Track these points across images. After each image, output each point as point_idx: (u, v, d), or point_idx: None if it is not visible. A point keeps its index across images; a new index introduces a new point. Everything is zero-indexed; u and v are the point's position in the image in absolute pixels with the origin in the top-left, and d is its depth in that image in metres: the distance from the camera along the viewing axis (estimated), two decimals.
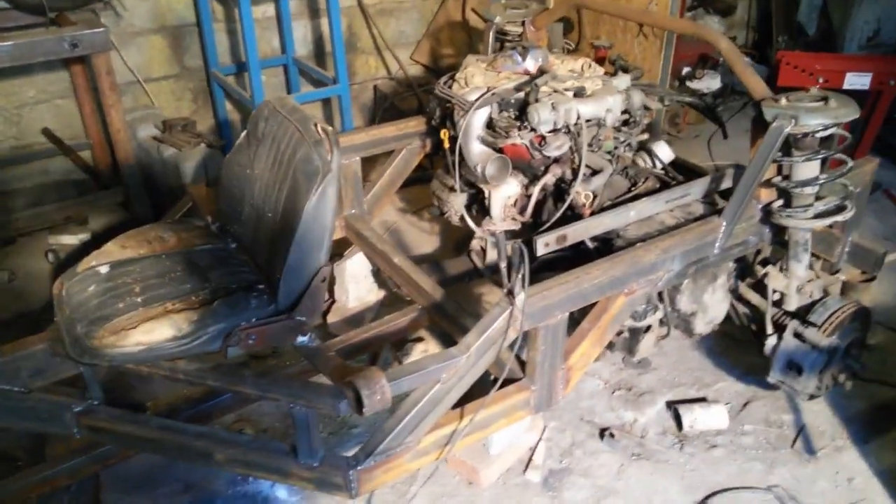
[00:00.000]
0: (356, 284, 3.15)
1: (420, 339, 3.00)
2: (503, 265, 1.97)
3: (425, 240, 3.81)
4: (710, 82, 5.10)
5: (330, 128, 2.01)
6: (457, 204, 2.96)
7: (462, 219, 3.02)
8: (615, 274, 2.16)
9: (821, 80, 4.13)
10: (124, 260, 2.12)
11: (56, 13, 3.36)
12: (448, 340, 2.93)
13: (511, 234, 2.91)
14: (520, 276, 1.93)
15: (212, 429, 1.99)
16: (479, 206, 2.85)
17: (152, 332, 1.85)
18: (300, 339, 2.05)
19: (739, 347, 3.02)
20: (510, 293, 1.98)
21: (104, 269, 2.07)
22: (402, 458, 1.98)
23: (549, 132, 2.44)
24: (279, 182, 2.09)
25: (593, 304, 2.28)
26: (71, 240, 3.65)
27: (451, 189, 2.94)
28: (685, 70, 5.27)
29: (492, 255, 2.98)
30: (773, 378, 2.55)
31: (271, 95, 4.33)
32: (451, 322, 2.48)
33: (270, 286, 2.08)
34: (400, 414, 1.93)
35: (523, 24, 3.19)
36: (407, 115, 4.56)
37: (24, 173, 3.97)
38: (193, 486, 2.39)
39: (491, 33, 3.20)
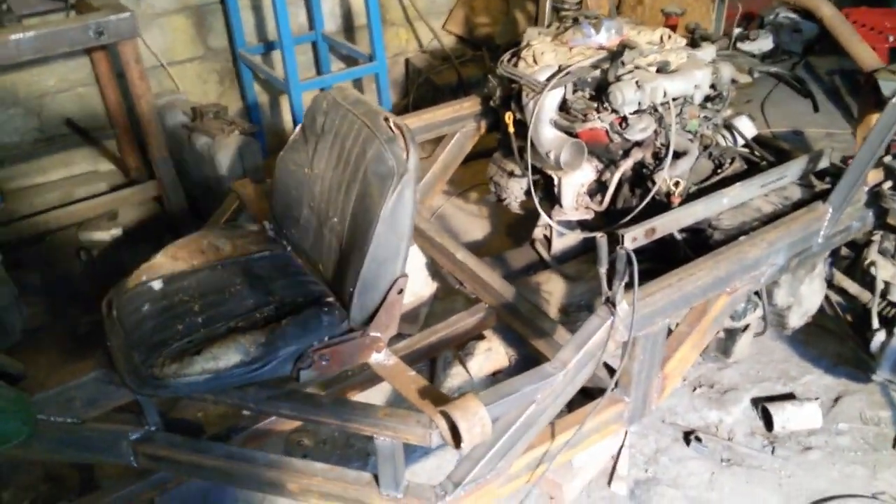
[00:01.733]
0: (410, 279, 2.94)
1: (482, 337, 2.82)
2: (603, 270, 1.76)
3: (474, 224, 3.61)
4: (762, 43, 4.84)
5: (404, 123, 1.80)
6: (517, 191, 2.76)
7: (523, 206, 2.82)
8: (719, 273, 1.95)
9: (891, 39, 3.85)
10: (178, 273, 1.93)
11: None
12: (515, 339, 2.75)
13: (579, 225, 2.70)
14: (623, 283, 1.73)
15: (283, 457, 1.81)
16: (544, 192, 2.64)
17: (219, 359, 1.66)
18: (375, 356, 1.86)
19: (825, 336, 2.81)
20: (611, 302, 1.78)
21: (157, 285, 1.88)
22: (492, 484, 1.81)
23: (633, 113, 2.22)
24: (346, 183, 1.88)
25: None
26: (102, 236, 3.46)
27: (511, 174, 2.73)
28: (736, 31, 5.01)
29: (557, 245, 2.77)
30: (880, 377, 2.35)
31: (302, 75, 4.13)
32: (525, 324, 2.29)
33: (339, 298, 1.89)
34: (492, 440, 1.74)
35: None
36: (443, 89, 4.34)
37: (49, 166, 3.77)
38: None
39: (548, 1, 2.94)
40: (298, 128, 2.12)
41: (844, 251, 2.56)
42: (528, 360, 2.73)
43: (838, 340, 2.76)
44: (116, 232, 3.48)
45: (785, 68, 4.98)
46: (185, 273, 1.93)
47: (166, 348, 1.69)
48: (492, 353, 2.73)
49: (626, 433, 2.43)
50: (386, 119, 1.82)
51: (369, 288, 1.78)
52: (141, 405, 1.84)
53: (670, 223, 2.15)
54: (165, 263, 1.96)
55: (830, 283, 2.53)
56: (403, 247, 1.79)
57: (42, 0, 3.17)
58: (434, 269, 3.00)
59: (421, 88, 4.47)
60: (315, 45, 4.25)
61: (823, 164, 2.36)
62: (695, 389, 2.66)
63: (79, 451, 1.80)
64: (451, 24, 4.67)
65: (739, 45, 4.95)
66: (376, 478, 1.75)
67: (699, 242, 2.24)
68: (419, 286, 3.01)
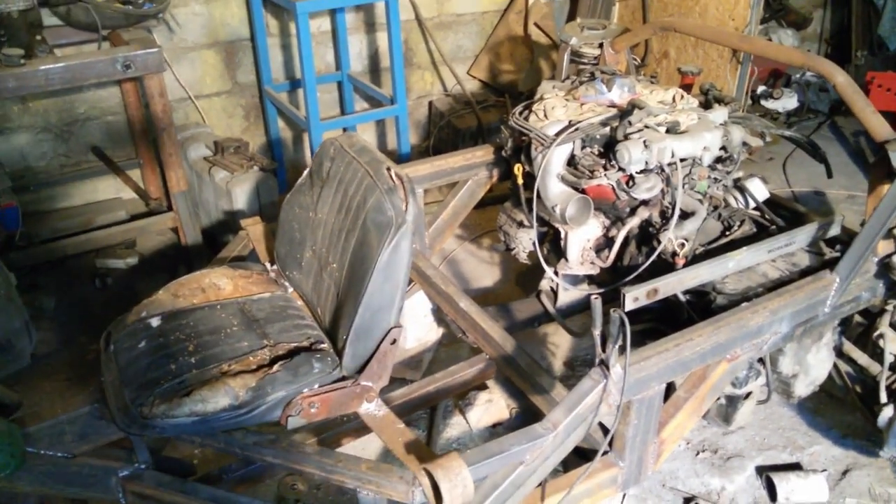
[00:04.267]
0: (415, 324, 2.94)
1: (484, 388, 2.80)
2: (597, 332, 1.74)
3: (485, 271, 3.61)
4: (786, 102, 4.81)
5: (405, 174, 1.81)
6: (525, 241, 2.76)
7: (531, 256, 2.82)
8: (719, 339, 1.92)
9: None
10: (177, 311, 1.95)
11: (109, 31, 3.23)
12: (516, 391, 2.72)
13: (587, 279, 2.69)
14: (617, 346, 1.71)
15: (267, 502, 1.80)
16: (551, 245, 2.64)
17: (207, 402, 1.67)
18: (366, 406, 1.85)
19: (835, 405, 2.74)
20: (604, 364, 1.76)
21: (156, 322, 1.90)
22: None
23: (639, 172, 2.22)
24: (346, 230, 1.90)
25: None
26: (118, 263, 3.53)
27: (521, 225, 2.74)
28: (760, 88, 5.00)
29: (563, 298, 2.75)
30: (887, 454, 2.28)
31: (325, 113, 4.19)
32: (523, 378, 2.26)
33: (334, 344, 1.90)
34: (477, 500, 1.71)
35: (601, 46, 2.96)
36: (464, 133, 4.38)
37: (73, 192, 3.87)
38: None
39: (566, 55, 2.97)
40: (306, 171, 2.15)
41: (859, 318, 2.51)
42: (528, 413, 2.70)
43: (849, 410, 2.69)
44: (133, 260, 3.55)
45: (810, 128, 4.97)
46: (184, 311, 1.95)
47: (157, 388, 1.70)
48: (492, 405, 2.70)
49: (624, 496, 2.39)
50: (388, 169, 1.84)
51: (362, 337, 1.78)
52: (132, 442, 1.85)
53: (673, 285, 2.13)
54: (166, 300, 1.99)
55: (840, 352, 2.47)
56: (398, 297, 1.79)
57: (77, 32, 3.27)
58: (440, 316, 2.99)
59: (442, 131, 4.51)
60: (340, 84, 4.32)
61: (834, 230, 2.32)
62: (698, 454, 2.60)
63: (67, 485, 1.81)
64: (476, 69, 4.73)
65: (763, 102, 4.94)
66: None
67: (703, 306, 2.22)
68: (424, 332, 3.00)
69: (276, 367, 1.76)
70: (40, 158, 3.81)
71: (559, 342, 3.03)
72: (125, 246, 3.60)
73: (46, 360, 2.96)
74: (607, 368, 1.76)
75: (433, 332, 3.02)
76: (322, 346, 1.88)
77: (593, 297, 1.70)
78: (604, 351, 1.76)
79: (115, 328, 1.93)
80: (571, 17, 4.71)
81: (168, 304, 1.97)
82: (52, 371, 2.93)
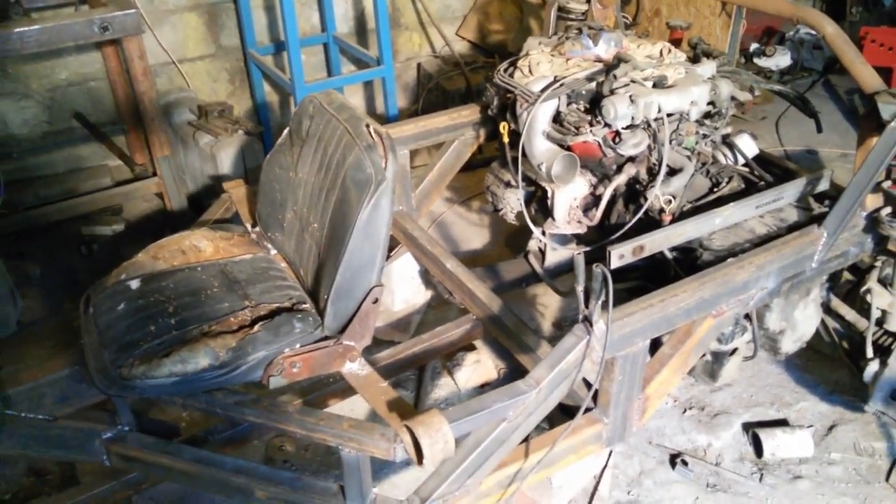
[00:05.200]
0: (403, 286, 2.93)
1: (472, 348, 2.80)
2: (580, 289, 1.73)
3: (474, 233, 3.58)
4: (779, 59, 4.74)
5: (384, 130, 1.78)
6: (513, 202, 2.73)
7: (519, 217, 2.79)
8: (704, 295, 1.90)
9: None
10: (157, 273, 1.93)
11: None
12: (504, 351, 2.71)
13: (575, 239, 2.67)
14: (600, 302, 1.69)
15: (251, 463, 1.79)
16: (538, 204, 2.62)
17: (187, 362, 1.66)
18: (348, 365, 1.84)
19: (823, 362, 2.75)
20: (587, 321, 1.74)
21: (135, 284, 1.88)
22: (461, 501, 1.77)
23: (626, 128, 2.18)
24: (326, 189, 1.87)
25: None
26: (104, 230, 3.49)
27: (508, 185, 2.71)
28: (753, 46, 4.92)
29: (551, 258, 2.74)
30: (872, 408, 2.29)
31: (312, 76, 4.13)
32: (509, 338, 2.26)
33: (316, 305, 1.88)
34: (460, 456, 1.71)
35: (588, 1, 2.89)
36: (453, 95, 4.31)
37: (57, 160, 3.82)
38: None
39: (553, 11, 2.91)
40: (286, 131, 2.11)
41: (848, 276, 2.50)
42: (516, 372, 2.68)
43: (836, 367, 2.69)
44: (119, 227, 3.52)
45: (803, 86, 4.92)
46: (164, 273, 1.93)
47: (137, 349, 1.68)
48: (480, 366, 2.70)
49: (611, 453, 2.39)
50: (367, 126, 1.80)
51: (343, 296, 1.76)
52: (115, 404, 1.84)
53: (660, 241, 2.11)
54: (146, 262, 1.96)
55: (828, 309, 2.47)
56: (379, 256, 1.77)
57: None
58: (427, 278, 2.97)
59: (431, 94, 4.45)
60: (326, 46, 4.25)
61: (823, 186, 2.30)
62: (685, 411, 2.61)
63: (50, 448, 1.81)
64: (465, 30, 4.65)
65: (756, 60, 4.85)
66: (342, 489, 1.73)
67: (689, 263, 2.20)
68: (412, 294, 2.99)
69: (256, 328, 1.74)
70: (23, 126, 3.75)
71: (547, 303, 3.02)
72: (111, 213, 3.56)
73: (32, 327, 2.95)
74: (590, 324, 1.74)
75: (421, 295, 3.01)
76: (304, 306, 1.86)
77: (576, 253, 1.68)
78: (587, 307, 1.74)
79: (95, 291, 1.91)
80: None
81: (148, 266, 1.95)
82: (39, 338, 2.92)
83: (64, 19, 2.90)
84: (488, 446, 1.73)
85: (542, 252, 2.74)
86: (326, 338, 1.82)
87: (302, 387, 2.30)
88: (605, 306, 1.71)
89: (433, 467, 1.60)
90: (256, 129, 3.44)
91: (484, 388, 2.70)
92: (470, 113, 2.78)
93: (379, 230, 1.74)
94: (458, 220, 3.64)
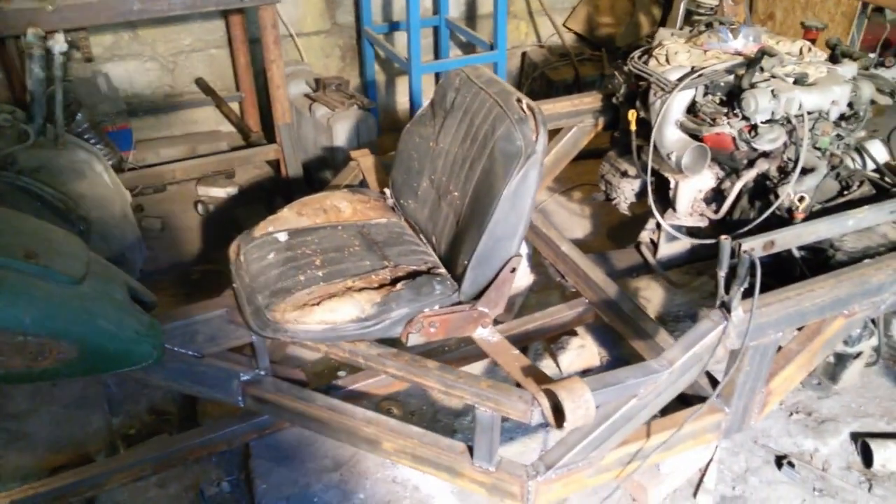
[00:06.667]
0: None
1: (574, 333, 2.82)
2: (722, 274, 1.73)
3: (576, 223, 3.60)
4: None
5: (536, 105, 1.82)
6: (628, 191, 2.74)
7: (632, 207, 2.80)
8: (839, 294, 1.89)
9: None
10: (301, 229, 2.02)
11: None
12: (608, 340, 2.74)
13: (690, 232, 2.66)
14: (741, 289, 1.70)
15: (380, 415, 1.87)
16: (656, 196, 2.61)
17: (335, 311, 1.74)
18: (480, 331, 1.90)
19: None
20: (725, 307, 1.75)
21: (282, 237, 1.97)
22: (583, 472, 1.81)
23: (763, 122, 2.17)
24: (471, 160, 1.92)
25: None
26: (219, 192, 3.64)
27: (625, 174, 2.72)
28: (871, 56, 4.78)
29: (665, 250, 2.74)
30: None
31: (425, 58, 4.20)
32: (626, 323, 2.27)
33: (450, 271, 1.94)
34: (588, 427, 1.75)
35: None
36: (557, 86, 4.33)
37: (175, 122, 3.99)
38: (342, 464, 2.30)
39: (683, 5, 2.90)
40: (427, 102, 2.17)
41: None
42: (619, 361, 2.71)
43: None
44: (232, 190, 3.66)
45: None
46: (308, 229, 2.02)
47: (289, 295, 1.77)
48: (584, 351, 2.72)
49: (717, 447, 2.39)
50: (518, 100, 1.85)
51: (483, 263, 1.82)
52: (255, 349, 1.94)
53: (791, 238, 2.10)
54: (290, 218, 2.06)
55: None
56: (521, 227, 1.81)
57: None
58: (534, 262, 3.01)
59: (535, 83, 4.47)
60: (437, 29, 4.31)
61: None
62: (791, 415, 2.58)
63: (194, 383, 1.91)
64: (573, 21, 4.65)
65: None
66: (470, 449, 1.79)
67: (818, 263, 2.18)
68: (517, 276, 3.02)
69: (399, 286, 1.81)
70: (146, 87, 3.93)
71: (651, 296, 3.02)
72: (225, 176, 3.70)
73: (153, 277, 3.10)
74: (728, 311, 1.75)
75: (525, 278, 3.04)
76: (439, 270, 1.92)
77: (723, 238, 1.69)
78: (727, 293, 1.75)
79: (244, 240, 2.01)
80: None
81: (293, 221, 2.04)
82: (158, 287, 3.05)
83: None
84: (617, 421, 1.76)
85: (655, 244, 2.75)
86: (460, 303, 1.87)
87: (419, 351, 2.37)
88: (745, 295, 1.71)
89: (571, 429, 1.63)
90: (370, 105, 3.52)
91: (586, 373, 2.72)
92: (592, 100, 2.79)
93: (524, 202, 1.78)
94: (560, 210, 3.66)
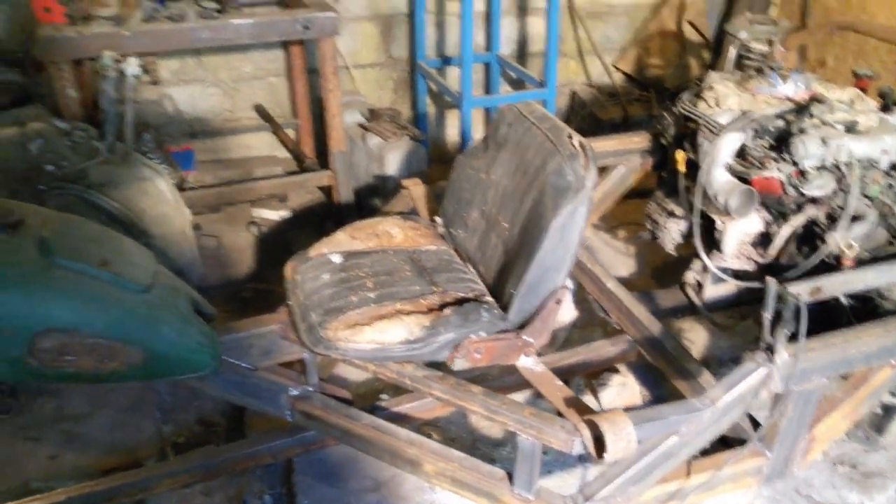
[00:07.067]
0: None
1: (616, 371, 2.83)
2: (767, 316, 1.75)
3: (620, 261, 3.61)
4: None
5: (587, 142, 1.88)
6: (674, 231, 2.76)
7: (678, 248, 2.82)
8: (886, 342, 1.89)
9: None
10: (355, 252, 2.10)
11: None
12: (649, 379, 2.74)
13: (736, 275, 2.66)
14: (786, 333, 1.71)
15: (423, 437, 1.91)
16: (704, 237, 2.63)
17: (385, 332, 1.80)
18: (524, 359, 1.94)
19: None
20: (770, 349, 1.76)
21: (336, 259, 2.05)
22: None
23: (813, 168, 2.19)
24: (521, 192, 1.98)
25: None
26: (272, 215, 3.75)
27: (671, 214, 2.75)
28: None
29: (710, 292, 2.75)
30: None
31: (476, 92, 4.30)
32: (668, 362, 2.29)
33: (497, 299, 1.99)
34: (628, 462, 1.77)
35: (770, 42, 2.91)
36: (605, 125, 4.38)
37: (233, 145, 4.14)
38: (383, 485, 2.33)
39: (732, 49, 2.94)
40: (480, 136, 2.24)
41: None
42: (660, 401, 2.70)
43: None
44: (285, 213, 3.77)
45: None
46: (361, 252, 2.10)
47: (341, 314, 1.84)
48: (625, 389, 2.73)
49: (757, 495, 2.37)
50: (570, 136, 1.91)
51: (530, 293, 1.86)
52: (305, 365, 2.01)
53: (838, 285, 2.10)
54: (344, 240, 2.14)
55: None
56: (569, 259, 1.86)
57: None
58: (579, 297, 3.03)
59: (583, 121, 4.53)
60: (488, 65, 4.42)
61: None
62: (836, 466, 2.54)
63: (245, 395, 1.99)
64: (623, 62, 4.72)
65: None
66: (510, 476, 1.82)
67: (866, 311, 2.17)
68: (561, 311, 3.05)
69: (447, 311, 1.86)
70: (208, 111, 4.09)
71: (694, 338, 3.01)
72: (279, 199, 3.82)
73: (206, 293, 3.19)
74: (772, 354, 1.76)
75: (570, 313, 3.06)
76: (487, 298, 1.97)
77: (768, 278, 1.71)
78: (772, 335, 1.76)
79: (299, 260, 2.09)
80: (725, 16, 4.63)
81: (346, 244, 2.12)
82: (211, 303, 3.16)
83: (272, 16, 3.18)
84: (658, 458, 1.77)
85: (700, 284, 2.76)
86: (506, 331, 1.92)
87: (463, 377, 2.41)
88: (792, 338, 1.72)
89: (611, 461, 1.66)
90: (421, 136, 3.63)
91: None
92: (640, 139, 2.84)
93: (573, 235, 1.83)
94: (604, 247, 3.69)
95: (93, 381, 1.63)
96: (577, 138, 1.90)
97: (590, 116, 4.47)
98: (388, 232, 2.19)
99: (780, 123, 2.28)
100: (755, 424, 2.02)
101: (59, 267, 1.57)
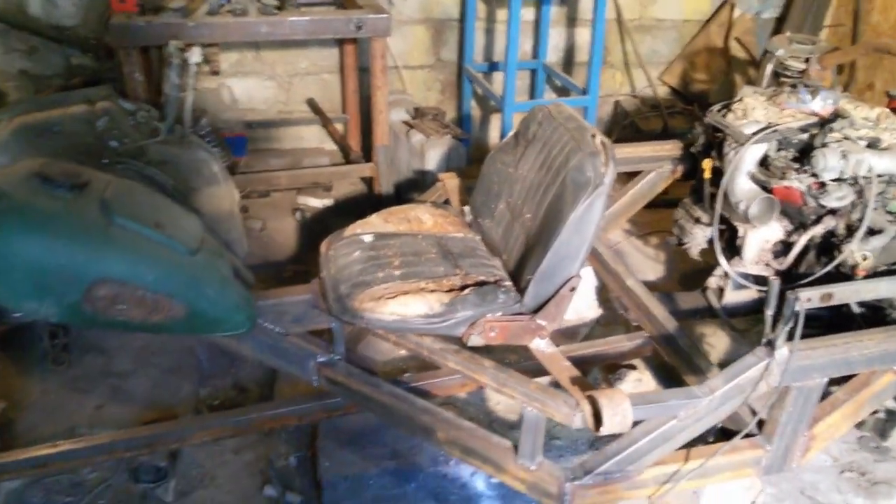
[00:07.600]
0: (577, 299, 3.09)
1: (633, 367, 2.92)
2: (770, 312, 1.84)
3: (649, 266, 3.69)
4: None
5: (609, 141, 1.99)
6: (700, 237, 2.84)
7: (703, 253, 2.90)
8: (888, 348, 1.95)
9: None
10: (386, 233, 2.24)
11: None
12: (665, 375, 2.82)
13: (757, 280, 2.73)
14: (786, 329, 1.80)
15: (437, 407, 2.04)
16: (726, 244, 2.71)
17: (407, 306, 1.93)
18: (537, 341, 2.05)
19: None
20: (770, 344, 1.85)
21: (368, 238, 2.20)
22: (619, 484, 1.93)
23: (832, 181, 2.26)
24: (544, 186, 2.10)
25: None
26: (316, 203, 3.94)
27: (698, 221, 2.83)
28: None
29: (730, 297, 2.82)
30: None
31: (519, 98, 4.43)
32: (681, 358, 2.38)
33: (516, 285, 2.11)
34: (627, 441, 1.87)
35: (807, 60, 2.97)
36: (647, 135, 4.46)
37: (284, 136, 4.36)
38: (400, 454, 2.47)
39: (769, 66, 3.01)
40: (511, 132, 2.37)
41: None
42: None
43: None
44: (328, 201, 3.96)
45: None
46: (391, 234, 2.24)
47: (368, 287, 1.99)
48: (641, 384, 2.81)
49: (761, 492, 2.43)
50: (593, 136, 2.02)
51: (546, 279, 1.98)
52: (333, 334, 2.16)
53: (849, 293, 2.16)
54: (377, 223, 2.29)
55: None
56: (584, 250, 1.97)
57: None
58: (602, 296, 3.14)
59: (625, 131, 4.62)
60: (534, 72, 4.55)
61: None
62: (843, 472, 2.58)
63: (276, 357, 2.15)
64: (668, 75, 4.79)
65: None
66: (515, 447, 1.93)
67: (877, 319, 2.23)
68: (585, 308, 3.16)
69: (466, 291, 1.99)
70: (263, 102, 4.31)
71: (715, 343, 3.07)
72: (323, 188, 4.02)
73: (249, 270, 3.39)
74: (772, 349, 1.84)
75: (592, 310, 3.17)
76: (506, 283, 2.10)
77: (771, 277, 1.80)
78: (773, 331, 1.85)
79: (334, 238, 2.25)
80: (775, 35, 4.66)
81: (379, 226, 2.27)
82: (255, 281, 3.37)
83: (327, 14, 3.37)
84: (655, 439, 1.87)
85: (721, 289, 2.83)
86: (521, 314, 2.04)
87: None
88: (790, 334, 1.81)
89: (606, 433, 1.75)
90: (463, 135, 3.77)
91: None
92: (672, 147, 2.93)
93: (588, 228, 1.94)
94: (635, 252, 3.77)
95: (139, 330, 1.81)
96: (599, 137, 2.01)
97: (631, 126, 4.55)
98: (418, 217, 2.33)
99: (804, 136, 2.35)
100: (760, 423, 2.10)
101: (116, 225, 1.76)
